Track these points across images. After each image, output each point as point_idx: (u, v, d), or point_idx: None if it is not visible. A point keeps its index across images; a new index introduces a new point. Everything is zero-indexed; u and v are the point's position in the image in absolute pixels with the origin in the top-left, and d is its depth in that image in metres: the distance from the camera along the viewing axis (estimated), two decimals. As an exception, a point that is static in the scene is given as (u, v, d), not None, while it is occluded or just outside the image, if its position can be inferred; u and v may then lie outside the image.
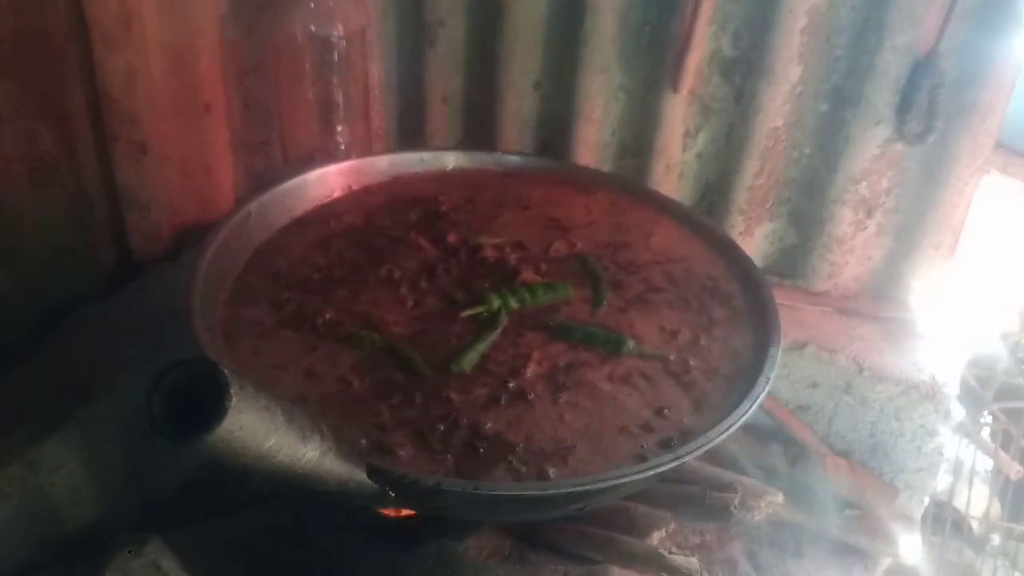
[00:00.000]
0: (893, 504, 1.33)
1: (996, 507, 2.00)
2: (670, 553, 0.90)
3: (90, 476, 1.10)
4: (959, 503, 1.94)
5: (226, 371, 0.51)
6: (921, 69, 1.21)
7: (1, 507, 0.99)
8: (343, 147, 1.47)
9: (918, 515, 1.39)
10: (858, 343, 1.32)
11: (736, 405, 0.86)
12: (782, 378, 1.35)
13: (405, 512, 0.97)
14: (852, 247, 1.37)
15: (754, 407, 0.85)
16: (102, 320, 1.24)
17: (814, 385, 1.33)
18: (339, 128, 1.46)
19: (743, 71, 1.31)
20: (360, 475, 0.71)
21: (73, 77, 1.16)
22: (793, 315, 1.38)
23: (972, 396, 1.99)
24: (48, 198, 1.17)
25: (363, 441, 0.80)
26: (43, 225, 1.18)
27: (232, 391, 0.51)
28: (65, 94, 1.15)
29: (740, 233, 1.41)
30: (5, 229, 1.12)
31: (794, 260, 1.43)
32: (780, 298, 1.38)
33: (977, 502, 1.98)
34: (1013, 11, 1.16)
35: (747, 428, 1.36)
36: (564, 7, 1.35)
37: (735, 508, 0.98)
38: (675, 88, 1.31)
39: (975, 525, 1.97)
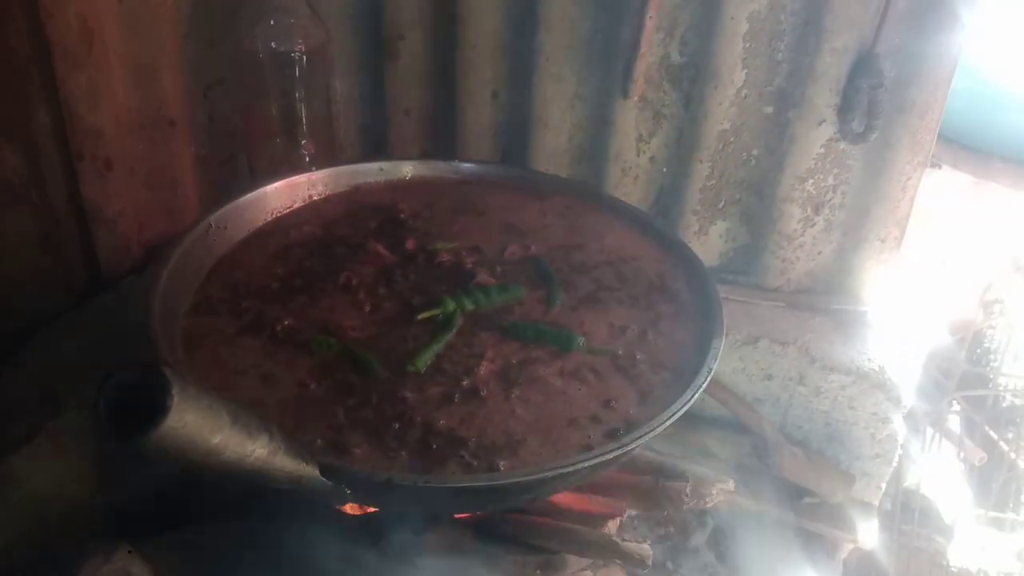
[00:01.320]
0: (850, 491, 1.37)
1: (963, 494, 2.05)
2: (623, 541, 0.94)
3: (61, 487, 1.12)
4: (927, 491, 2.00)
5: (167, 373, 0.54)
6: (860, 70, 1.25)
7: (-30, 519, 1.02)
8: (307, 159, 1.50)
9: (876, 501, 1.44)
10: (809, 335, 1.37)
11: (679, 395, 0.90)
12: (738, 371, 1.39)
13: (369, 509, 1.00)
14: (802, 243, 1.41)
15: (695, 396, 0.89)
16: (72, 333, 1.26)
17: (769, 377, 1.37)
18: (303, 141, 1.49)
19: (690, 77, 1.35)
20: (313, 472, 0.74)
21: (36, 96, 1.18)
22: (747, 310, 1.42)
23: (936, 385, 2.05)
24: (16, 216, 1.20)
25: (319, 441, 0.83)
26: (12, 242, 1.20)
27: (173, 391, 0.54)
28: (29, 113, 1.18)
29: (695, 233, 1.45)
30: (-26, 247, 1.14)
31: (747, 257, 1.47)
32: (734, 295, 1.44)
33: (945, 490, 2.04)
34: (946, 11, 1.21)
35: (707, 420, 1.41)
36: (518, 18, 1.39)
37: (687, 496, 1.02)
38: (626, 95, 1.35)
39: (943, 512, 2.02)
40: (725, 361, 1.39)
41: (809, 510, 1.37)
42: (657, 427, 0.84)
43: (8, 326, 1.22)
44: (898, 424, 1.36)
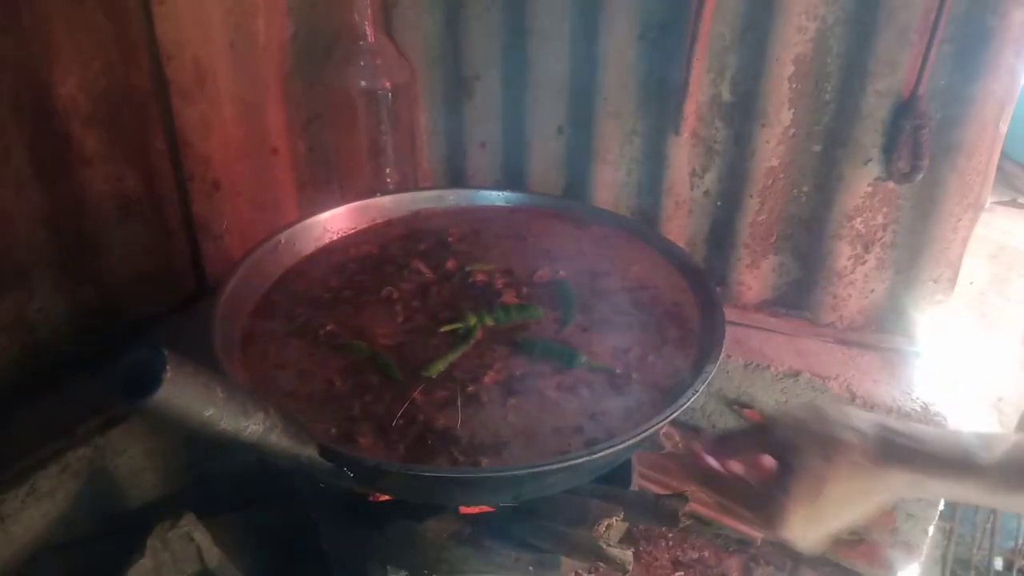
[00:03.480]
0: (891, 530, 1.36)
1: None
2: (608, 546, 1.00)
3: (149, 461, 1.31)
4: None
5: (166, 352, 0.68)
6: (903, 111, 1.27)
7: (73, 482, 1.21)
8: (392, 186, 1.66)
9: (923, 544, 1.41)
10: (852, 372, 1.37)
11: (659, 413, 0.96)
12: (780, 404, 1.41)
13: (382, 497, 1.11)
14: (853, 280, 1.42)
15: (673, 415, 0.95)
16: (176, 333, 1.46)
17: (809, 411, 1.38)
18: (387, 170, 1.65)
19: (741, 115, 1.40)
20: (312, 452, 0.87)
21: (155, 126, 1.38)
22: (794, 344, 1.44)
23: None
24: (133, 228, 1.39)
25: (333, 429, 0.96)
26: (128, 251, 1.39)
27: (168, 366, 0.67)
28: (148, 140, 1.38)
29: (747, 266, 1.49)
30: (96, 254, 1.34)
31: (800, 293, 1.50)
32: (783, 328, 1.47)
33: None
34: (991, 54, 1.21)
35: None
36: (580, 60, 1.50)
37: (683, 515, 1.07)
38: (677, 131, 1.42)
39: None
40: (767, 393, 1.42)
41: (847, 547, 1.37)
42: (627, 441, 0.91)
43: (122, 323, 1.43)
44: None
